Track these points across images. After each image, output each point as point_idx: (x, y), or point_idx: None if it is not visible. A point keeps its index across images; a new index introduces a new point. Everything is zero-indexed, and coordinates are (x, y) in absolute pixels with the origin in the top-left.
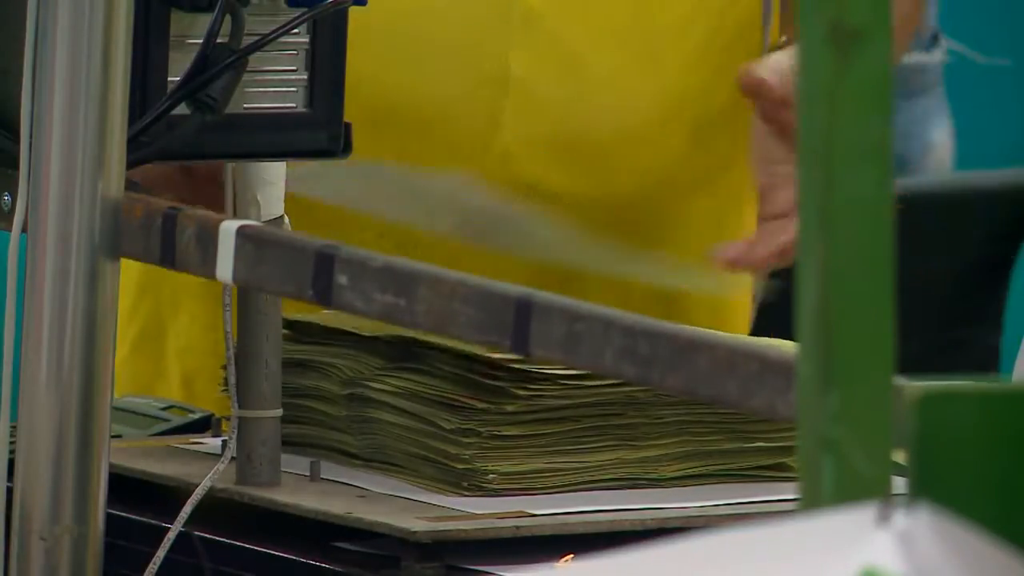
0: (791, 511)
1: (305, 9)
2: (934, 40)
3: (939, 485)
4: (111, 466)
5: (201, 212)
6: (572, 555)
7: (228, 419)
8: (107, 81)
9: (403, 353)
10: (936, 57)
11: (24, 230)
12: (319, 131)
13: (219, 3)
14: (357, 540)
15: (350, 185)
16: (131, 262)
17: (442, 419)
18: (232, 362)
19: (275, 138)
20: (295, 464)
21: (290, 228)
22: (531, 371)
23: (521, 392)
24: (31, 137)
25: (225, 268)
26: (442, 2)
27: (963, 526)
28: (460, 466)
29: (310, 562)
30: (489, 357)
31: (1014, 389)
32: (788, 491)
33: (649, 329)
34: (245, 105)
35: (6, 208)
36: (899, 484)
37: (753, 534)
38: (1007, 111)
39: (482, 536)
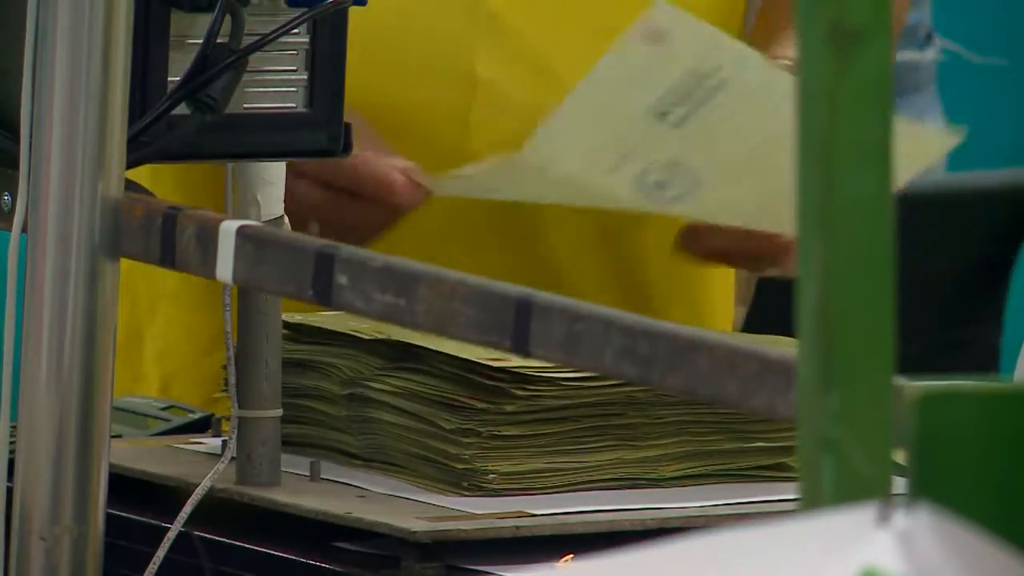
0: (791, 511)
1: (305, 9)
2: (928, 39)
3: (939, 485)
4: (111, 466)
5: (201, 212)
6: (572, 555)
7: (228, 419)
8: (107, 81)
9: (403, 353)
10: (929, 55)
11: (24, 230)
12: (319, 131)
13: (219, 3)
14: (357, 540)
15: None
16: None
17: (442, 419)
18: (232, 362)
19: (275, 138)
20: (295, 464)
21: (290, 228)
22: (531, 373)
23: (521, 392)
24: (31, 137)
25: (225, 268)
26: (408, 5)
27: (963, 526)
28: (460, 466)
29: (310, 562)
30: (488, 365)
31: (1014, 389)
32: (788, 491)
33: (649, 329)
34: (245, 105)
35: (6, 208)
36: (899, 484)
37: (753, 534)
38: (1003, 111)
39: (482, 536)
